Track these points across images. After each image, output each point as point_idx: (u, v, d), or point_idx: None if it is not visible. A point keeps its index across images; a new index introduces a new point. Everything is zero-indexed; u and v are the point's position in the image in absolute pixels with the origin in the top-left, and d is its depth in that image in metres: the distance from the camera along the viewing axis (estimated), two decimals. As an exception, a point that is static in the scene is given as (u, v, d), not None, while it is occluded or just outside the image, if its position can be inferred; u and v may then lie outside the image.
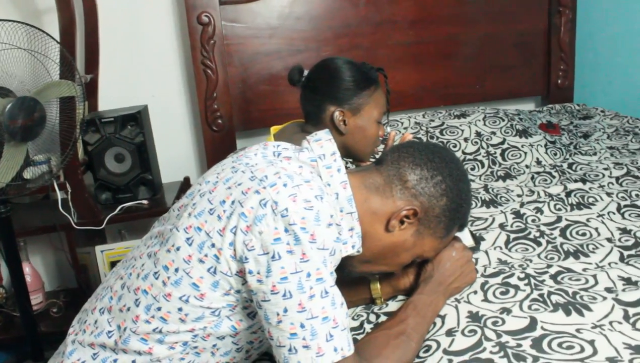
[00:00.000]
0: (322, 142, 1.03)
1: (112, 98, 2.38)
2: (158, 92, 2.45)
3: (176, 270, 0.92)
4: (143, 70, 2.43)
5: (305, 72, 1.59)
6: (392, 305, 1.19)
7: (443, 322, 1.08)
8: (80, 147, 2.20)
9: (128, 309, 0.97)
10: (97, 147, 2.15)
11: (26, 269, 2.24)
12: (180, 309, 0.93)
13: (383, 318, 1.15)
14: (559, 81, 2.72)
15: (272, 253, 0.86)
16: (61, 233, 2.10)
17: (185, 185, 2.42)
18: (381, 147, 1.78)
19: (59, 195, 2.06)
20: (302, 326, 0.86)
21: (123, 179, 2.19)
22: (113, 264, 2.29)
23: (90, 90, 2.32)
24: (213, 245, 0.90)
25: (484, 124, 2.16)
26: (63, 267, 2.51)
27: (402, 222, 1.03)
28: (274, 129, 1.67)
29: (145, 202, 2.20)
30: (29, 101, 1.75)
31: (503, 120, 2.18)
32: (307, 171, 0.97)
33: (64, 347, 1.05)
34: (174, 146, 2.50)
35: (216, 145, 2.38)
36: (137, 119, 2.16)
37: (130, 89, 2.43)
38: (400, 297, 1.20)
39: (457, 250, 1.14)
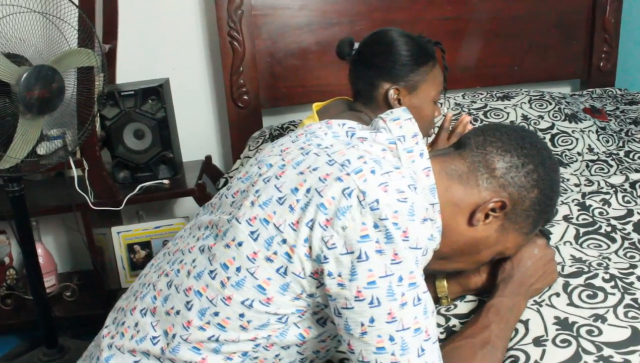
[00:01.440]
0: (401, 121, 0.89)
1: (129, 70, 2.23)
2: (179, 64, 2.30)
3: (238, 269, 0.79)
4: (163, 41, 2.28)
5: (356, 45, 1.44)
6: (461, 307, 1.06)
7: (527, 329, 0.95)
8: (98, 121, 2.05)
9: (177, 313, 0.83)
10: (116, 122, 2.01)
11: (39, 250, 2.10)
12: (241, 315, 0.79)
13: (453, 321, 1.03)
14: (601, 64, 2.56)
15: (358, 253, 0.73)
16: (77, 214, 1.96)
17: (207, 164, 2.29)
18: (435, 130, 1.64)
19: (75, 173, 1.92)
20: (391, 339, 0.73)
21: (143, 156, 2.05)
22: (130, 246, 2.17)
23: (109, 61, 2.16)
24: (284, 241, 0.76)
25: (530, 107, 2.02)
26: (76, 249, 2.38)
27: (487, 216, 0.89)
28: (316, 106, 1.52)
29: (166, 181, 2.06)
30: (47, 70, 1.61)
31: (550, 104, 2.03)
32: (391, 155, 0.83)
33: (97, 351, 0.92)
34: (195, 123, 2.35)
35: (241, 122, 2.23)
36: (158, 93, 2.01)
37: (150, 61, 2.28)
38: (469, 297, 1.07)
39: (540, 248, 1.01)
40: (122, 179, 2.09)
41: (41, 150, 1.84)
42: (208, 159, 2.30)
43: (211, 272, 0.81)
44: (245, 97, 2.20)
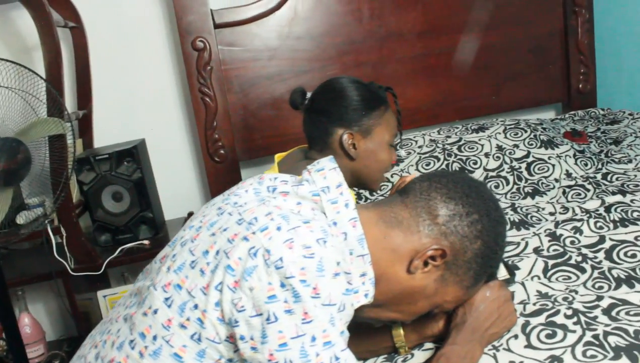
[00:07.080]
0: (325, 171, 0.88)
1: (109, 134, 2.26)
2: (157, 124, 2.32)
3: (154, 337, 0.77)
4: (139, 102, 2.31)
5: (309, 94, 1.45)
6: (419, 356, 1.02)
7: (482, 377, 0.92)
8: (76, 187, 2.07)
9: None
10: (93, 187, 2.02)
11: (25, 320, 2.11)
12: None
13: (410, 372, 0.99)
14: (580, 86, 2.54)
15: (266, 315, 0.71)
16: (58, 280, 1.96)
17: (190, 220, 2.28)
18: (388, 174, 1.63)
19: (53, 239, 1.92)
20: (310, 403, 0.70)
21: (122, 218, 2.06)
22: (116, 310, 2.15)
23: (84, 126, 2.20)
24: (196, 307, 0.75)
25: (505, 137, 2.00)
26: (65, 315, 2.36)
27: (425, 264, 0.87)
28: (278, 157, 1.53)
29: (146, 242, 2.06)
30: (11, 142, 1.62)
31: (525, 131, 2.01)
32: (308, 208, 0.81)
33: None
34: (175, 180, 2.36)
35: (219, 177, 2.23)
36: (133, 155, 2.03)
37: (127, 123, 2.30)
38: (427, 345, 1.03)
39: (492, 289, 0.97)
40: (103, 242, 2.09)
41: (20, 219, 1.85)
42: (190, 215, 2.30)
43: (131, 341, 0.80)
44: (222, 151, 2.20)
